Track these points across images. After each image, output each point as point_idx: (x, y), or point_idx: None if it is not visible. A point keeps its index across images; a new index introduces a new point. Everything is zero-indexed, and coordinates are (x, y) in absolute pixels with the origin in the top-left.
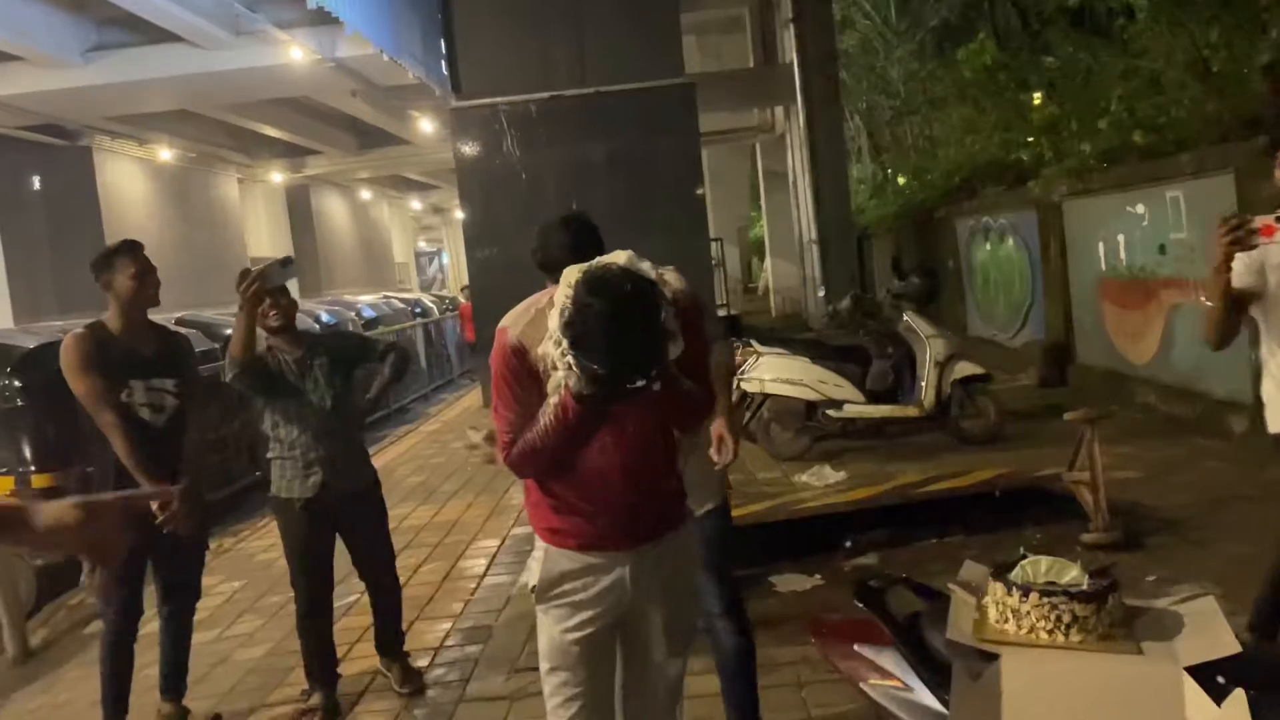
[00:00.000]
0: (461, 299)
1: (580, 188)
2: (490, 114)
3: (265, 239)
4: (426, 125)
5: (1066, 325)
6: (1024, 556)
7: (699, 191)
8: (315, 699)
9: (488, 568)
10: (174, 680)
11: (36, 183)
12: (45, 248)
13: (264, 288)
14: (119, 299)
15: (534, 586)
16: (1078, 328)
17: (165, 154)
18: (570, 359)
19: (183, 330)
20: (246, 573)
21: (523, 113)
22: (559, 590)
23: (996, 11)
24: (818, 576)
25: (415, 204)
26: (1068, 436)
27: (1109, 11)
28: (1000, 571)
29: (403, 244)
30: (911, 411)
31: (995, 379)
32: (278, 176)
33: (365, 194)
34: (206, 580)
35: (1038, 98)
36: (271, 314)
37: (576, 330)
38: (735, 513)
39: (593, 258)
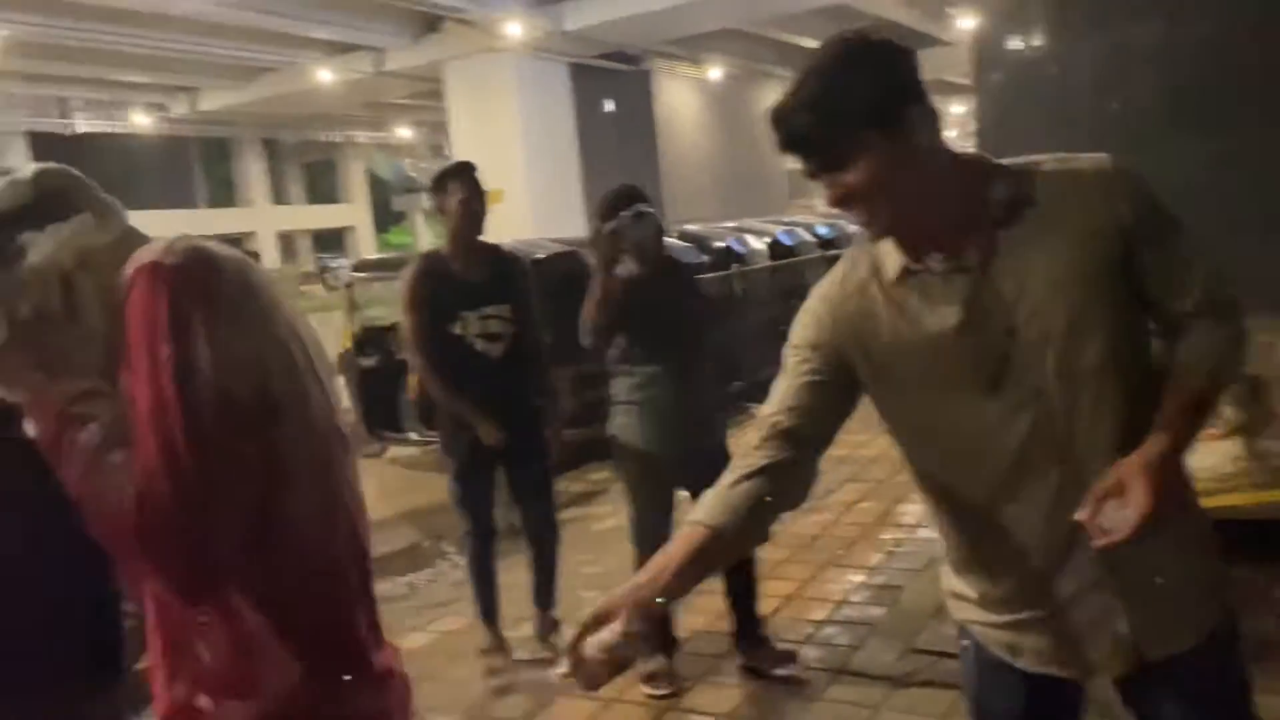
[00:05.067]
0: None
1: (1122, 83)
2: None
3: None
4: (966, 22)
5: None
6: None
7: None
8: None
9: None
10: (540, 595)
11: (607, 106)
12: (614, 167)
13: (619, 247)
14: (448, 222)
15: None
16: None
17: (714, 73)
18: None
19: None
20: None
21: None
22: None
23: None
24: None
25: (956, 109)
26: None
27: None
28: None
29: None
30: None
31: None
32: None
33: None
34: None
35: None
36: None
37: None
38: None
39: None
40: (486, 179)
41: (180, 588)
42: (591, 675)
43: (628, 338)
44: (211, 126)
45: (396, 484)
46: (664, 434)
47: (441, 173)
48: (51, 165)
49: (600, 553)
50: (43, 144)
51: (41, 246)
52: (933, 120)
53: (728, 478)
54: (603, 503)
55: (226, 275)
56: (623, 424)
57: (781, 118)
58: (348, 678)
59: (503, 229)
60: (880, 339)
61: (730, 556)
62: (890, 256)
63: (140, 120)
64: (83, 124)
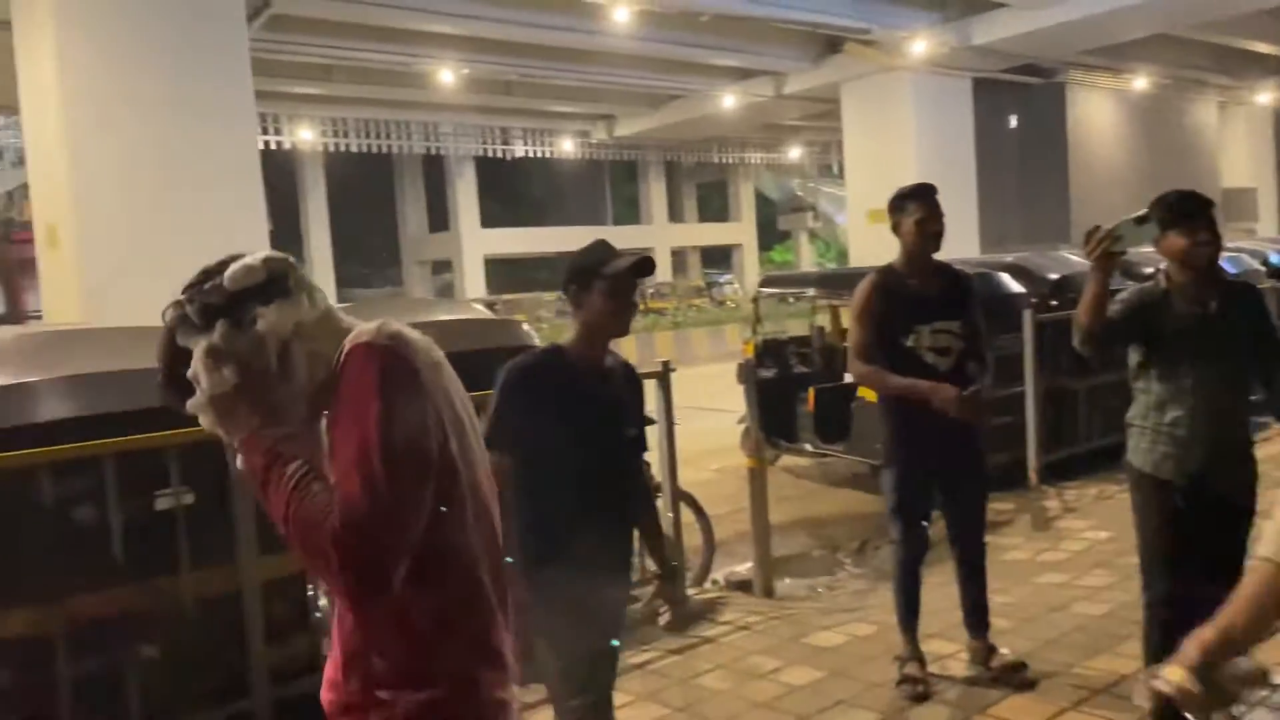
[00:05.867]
0: None
1: None
2: None
3: (1243, 168)
4: None
5: None
6: None
7: None
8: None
9: None
10: (974, 618)
11: (1011, 121)
12: (1013, 182)
13: (1112, 250)
14: (904, 241)
15: None
16: None
17: (1139, 83)
18: None
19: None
20: (1118, 525)
21: None
22: None
23: None
24: None
25: None
26: None
27: None
28: None
29: None
30: None
31: None
32: (1264, 98)
33: None
34: (1072, 523)
35: None
36: (1188, 254)
37: None
38: None
39: None
40: (875, 198)
41: (362, 588)
42: (1203, 702)
43: (1144, 353)
44: (623, 150)
45: (789, 491)
46: (1179, 460)
47: (901, 193)
48: (275, 253)
49: (1010, 582)
50: (486, 167)
51: (268, 318)
52: None
53: None
54: (1010, 533)
55: (420, 355)
56: (1133, 447)
57: None
58: (492, 669)
59: (891, 249)
60: None
61: None
62: None
63: (566, 146)
64: (519, 150)
